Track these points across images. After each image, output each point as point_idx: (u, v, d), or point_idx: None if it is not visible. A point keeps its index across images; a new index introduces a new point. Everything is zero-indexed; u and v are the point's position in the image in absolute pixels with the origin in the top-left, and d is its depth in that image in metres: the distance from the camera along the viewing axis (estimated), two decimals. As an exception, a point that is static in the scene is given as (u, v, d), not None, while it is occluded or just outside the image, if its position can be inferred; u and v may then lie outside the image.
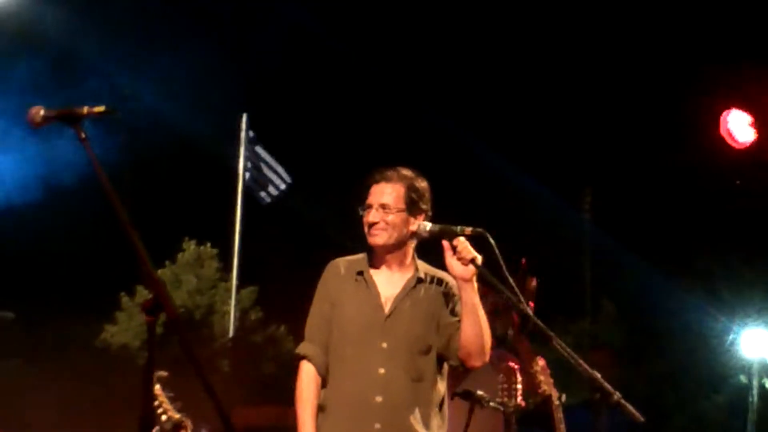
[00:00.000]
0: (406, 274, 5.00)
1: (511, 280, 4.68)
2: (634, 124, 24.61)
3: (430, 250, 5.06)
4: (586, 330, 24.53)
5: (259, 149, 21.30)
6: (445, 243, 4.73)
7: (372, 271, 5.01)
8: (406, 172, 5.00)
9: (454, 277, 4.84)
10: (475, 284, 4.77)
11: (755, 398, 19.94)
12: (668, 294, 22.70)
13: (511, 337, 6.76)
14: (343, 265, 5.07)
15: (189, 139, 23.57)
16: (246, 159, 21.47)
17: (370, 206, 4.95)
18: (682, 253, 23.70)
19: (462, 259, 4.69)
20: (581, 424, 6.06)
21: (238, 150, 21.49)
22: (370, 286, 4.98)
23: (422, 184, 5.00)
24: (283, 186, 21.45)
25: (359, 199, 5.02)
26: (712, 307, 22.06)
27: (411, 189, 4.93)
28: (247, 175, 21.55)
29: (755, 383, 20.25)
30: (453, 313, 4.94)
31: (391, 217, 4.90)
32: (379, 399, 4.81)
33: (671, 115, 22.10)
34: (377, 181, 4.98)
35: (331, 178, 23.85)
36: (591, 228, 24.44)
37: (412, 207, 4.91)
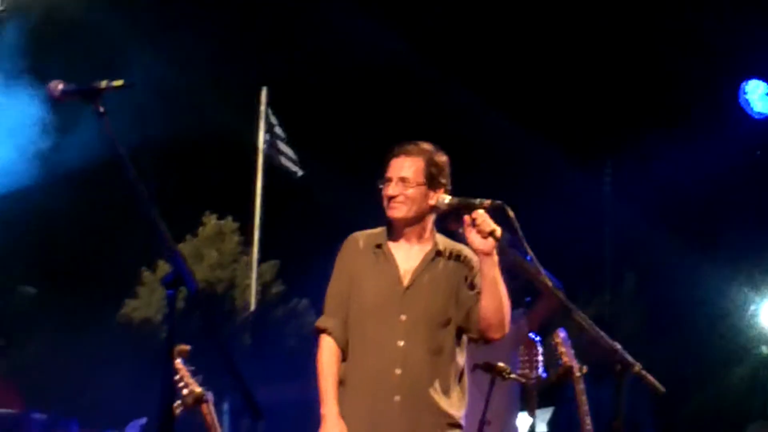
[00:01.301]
0: (425, 247, 4.99)
1: (530, 252, 4.68)
2: (652, 94, 24.50)
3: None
4: (607, 303, 24.52)
5: (277, 130, 21.18)
6: (465, 216, 4.73)
7: (391, 245, 5.01)
8: (426, 146, 5.00)
9: (474, 251, 4.84)
10: (495, 257, 4.77)
11: (777, 369, 19.94)
12: (690, 265, 22.62)
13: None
14: (362, 238, 5.07)
15: (209, 113, 23.58)
16: (266, 133, 21.43)
17: (389, 179, 4.95)
18: (703, 224, 23.63)
19: (481, 231, 4.69)
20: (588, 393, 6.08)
21: (257, 123, 21.45)
22: (389, 259, 4.98)
23: (442, 158, 4.99)
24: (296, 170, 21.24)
25: (380, 172, 5.02)
26: (734, 278, 22.00)
27: (430, 163, 4.93)
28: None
29: (777, 354, 20.25)
30: (472, 286, 4.93)
31: (410, 191, 4.89)
32: (398, 371, 4.82)
33: (690, 86, 22.01)
34: (397, 155, 4.97)
35: (352, 153, 23.85)
36: (611, 200, 24.42)
37: (431, 181, 4.91)
